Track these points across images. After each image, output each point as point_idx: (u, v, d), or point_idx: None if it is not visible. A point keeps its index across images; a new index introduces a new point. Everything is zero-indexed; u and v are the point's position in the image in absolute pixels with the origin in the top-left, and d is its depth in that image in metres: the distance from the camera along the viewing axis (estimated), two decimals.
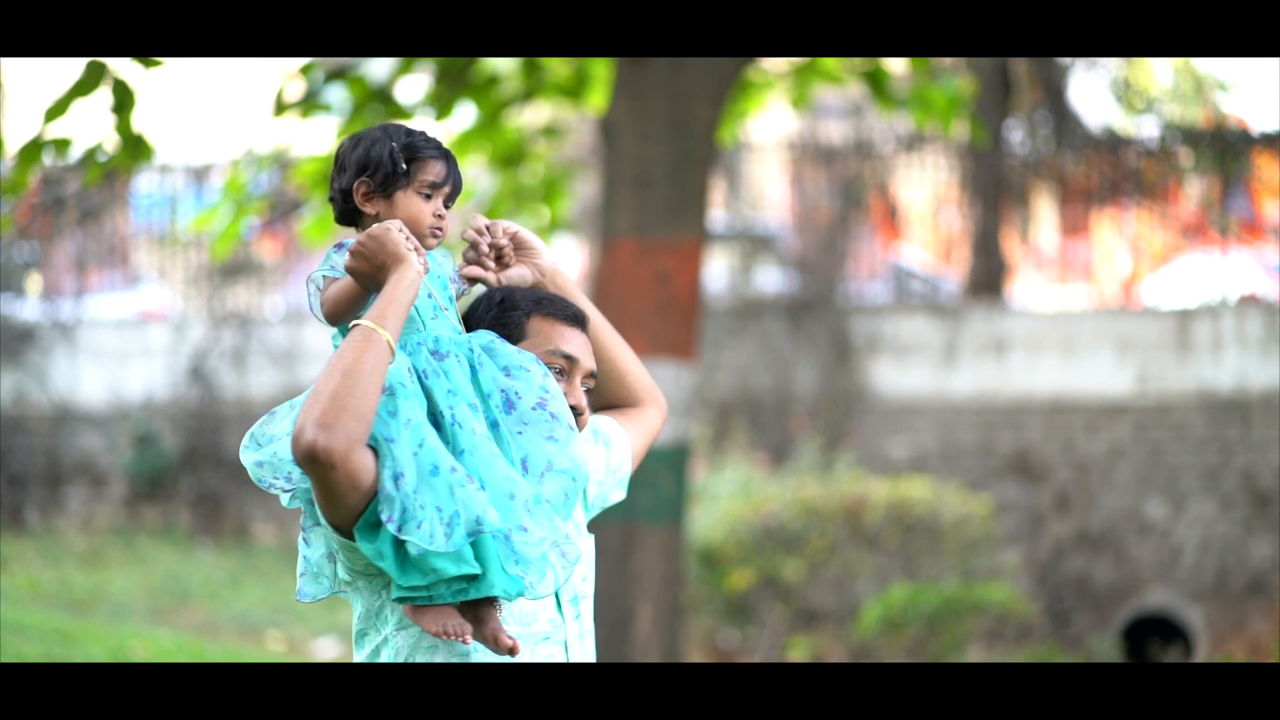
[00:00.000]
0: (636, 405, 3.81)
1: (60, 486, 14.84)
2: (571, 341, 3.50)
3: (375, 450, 3.19)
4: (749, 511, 11.78)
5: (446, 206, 3.43)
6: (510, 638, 3.23)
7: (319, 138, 10.12)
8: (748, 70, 9.27)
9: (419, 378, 3.27)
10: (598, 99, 10.05)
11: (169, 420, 14.74)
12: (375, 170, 3.37)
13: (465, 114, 9.73)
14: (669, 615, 8.62)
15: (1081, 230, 16.54)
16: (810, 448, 13.72)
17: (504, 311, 3.48)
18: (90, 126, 8.01)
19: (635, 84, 8.55)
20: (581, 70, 9.97)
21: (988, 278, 15.86)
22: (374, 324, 3.21)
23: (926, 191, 16.41)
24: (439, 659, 3.27)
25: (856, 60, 9.94)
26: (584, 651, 3.43)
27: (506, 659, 3.27)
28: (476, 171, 10.54)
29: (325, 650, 11.24)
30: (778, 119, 17.32)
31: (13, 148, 8.04)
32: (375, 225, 3.31)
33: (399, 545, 3.18)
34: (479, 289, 3.60)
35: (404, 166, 3.37)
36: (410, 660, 3.26)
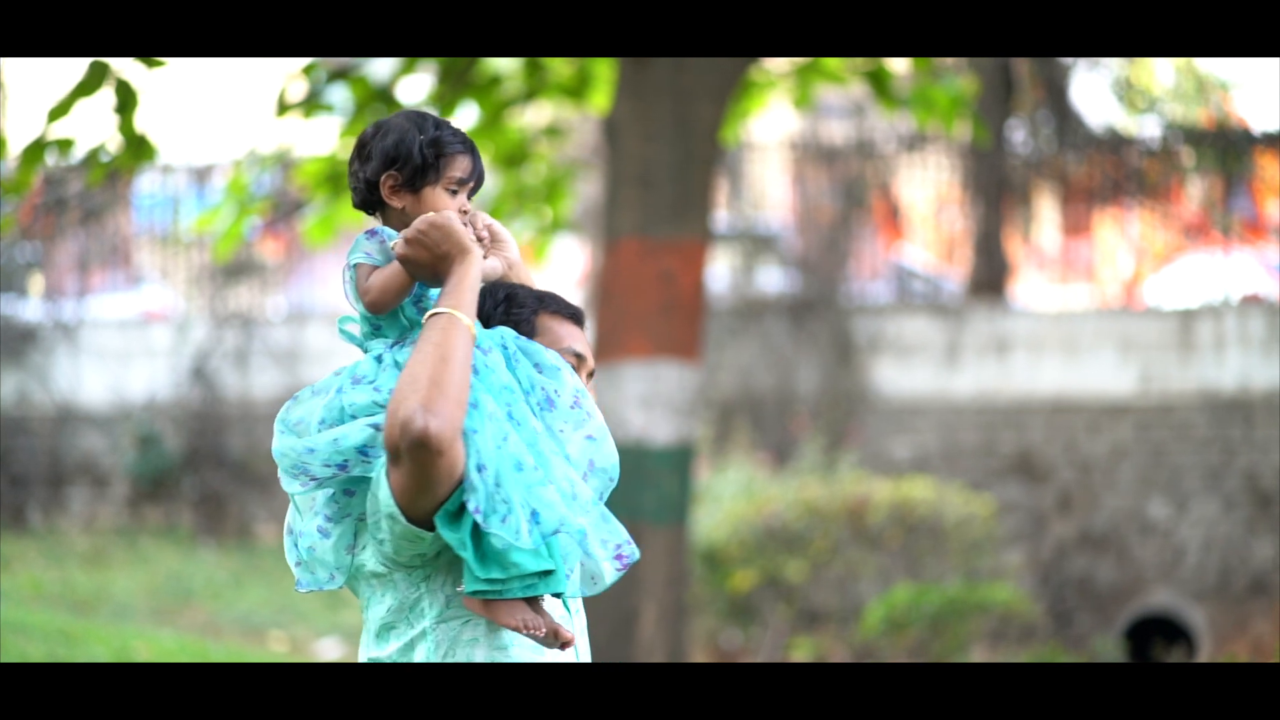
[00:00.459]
0: None
1: (63, 487, 14.84)
2: (579, 340, 3.50)
3: None
4: (751, 512, 11.78)
5: (469, 199, 3.42)
6: (568, 631, 3.24)
7: (321, 138, 10.13)
8: (750, 70, 9.28)
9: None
10: (599, 99, 10.05)
11: (171, 420, 14.75)
12: (404, 164, 3.34)
13: (467, 114, 9.74)
14: (674, 615, 8.62)
15: (1083, 230, 16.54)
16: (812, 448, 13.72)
17: (511, 308, 3.47)
18: (93, 127, 8.02)
19: (639, 84, 8.56)
20: (583, 70, 9.97)
21: (990, 278, 15.86)
22: (460, 313, 3.20)
23: (928, 191, 16.41)
24: (478, 653, 3.25)
25: (859, 60, 9.94)
26: (585, 649, 3.43)
27: (502, 660, 3.26)
28: None
29: (328, 650, 11.24)
30: (779, 118, 17.32)
31: (16, 148, 8.05)
32: (434, 215, 3.27)
33: (477, 537, 3.17)
34: None
35: (433, 163, 3.34)
36: (450, 654, 3.24)
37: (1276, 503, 13.88)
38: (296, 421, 3.29)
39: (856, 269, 15.77)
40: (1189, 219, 15.97)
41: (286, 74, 9.29)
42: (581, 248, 17.30)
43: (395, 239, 3.30)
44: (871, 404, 14.52)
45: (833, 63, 10.04)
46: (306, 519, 3.33)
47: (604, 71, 9.88)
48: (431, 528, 3.19)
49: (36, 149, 7.74)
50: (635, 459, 8.23)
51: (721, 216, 15.79)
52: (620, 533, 3.31)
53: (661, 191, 8.51)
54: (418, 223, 3.28)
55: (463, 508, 3.17)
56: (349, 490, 3.28)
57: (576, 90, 10.05)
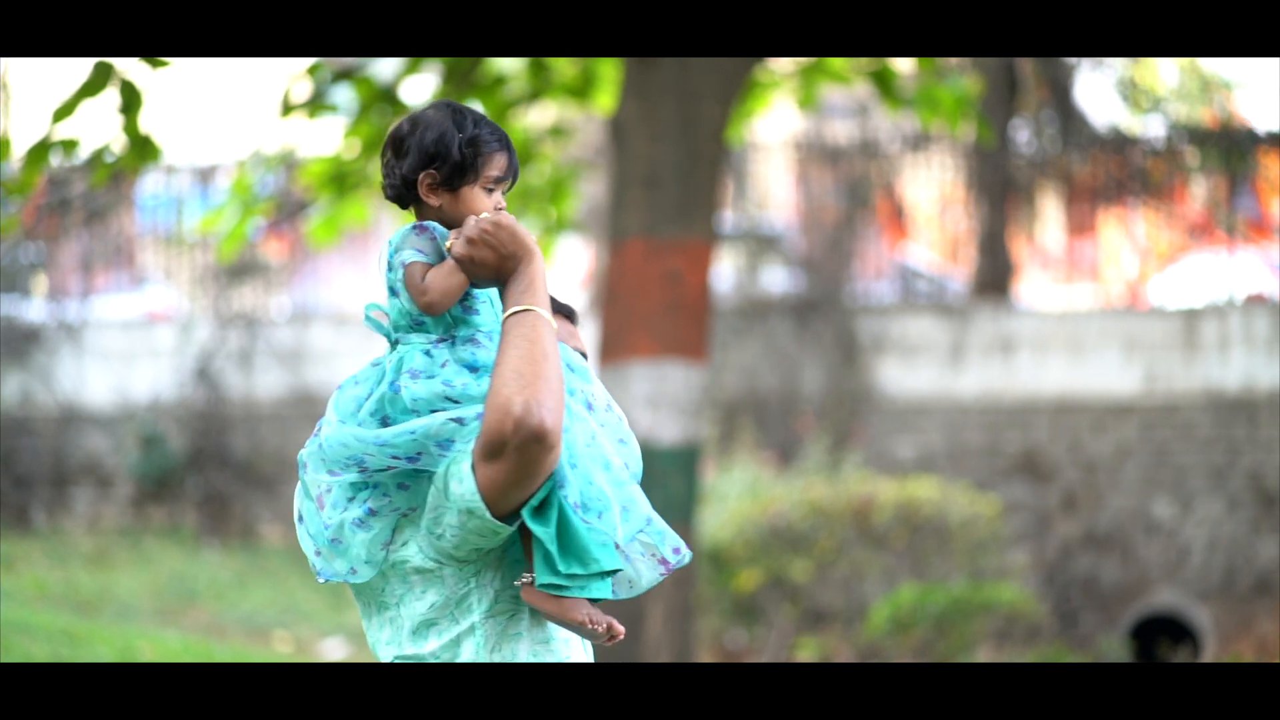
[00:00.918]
0: None
1: (66, 487, 14.85)
2: (577, 337, 3.50)
3: None
4: (756, 512, 11.78)
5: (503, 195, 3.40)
6: (619, 625, 3.27)
7: (326, 138, 10.13)
8: (755, 70, 9.28)
9: None
10: (604, 99, 10.05)
11: (175, 421, 14.75)
12: (442, 163, 3.29)
13: None
14: (680, 615, 8.62)
15: (1088, 230, 16.53)
16: (817, 448, 13.72)
17: None
18: (98, 127, 8.02)
19: (644, 84, 8.56)
20: (588, 70, 9.98)
21: (994, 277, 15.86)
22: (545, 311, 3.20)
23: (933, 191, 16.40)
24: (522, 647, 3.24)
25: (863, 60, 9.94)
26: (589, 648, 3.44)
27: (545, 653, 3.27)
28: None
29: (333, 651, 11.24)
30: (784, 118, 17.33)
31: (21, 149, 8.05)
32: (498, 215, 3.24)
33: (560, 532, 3.17)
34: None
35: (472, 162, 3.30)
36: (497, 649, 3.22)
37: None
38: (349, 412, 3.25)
39: (861, 269, 15.77)
40: (1193, 219, 15.96)
41: (291, 74, 9.30)
42: (586, 248, 17.30)
43: (446, 237, 3.27)
44: (876, 404, 14.52)
45: (837, 62, 10.04)
46: (337, 510, 3.24)
47: (608, 72, 9.88)
48: (511, 523, 3.18)
49: (41, 149, 7.74)
50: (641, 459, 8.22)
51: (726, 216, 15.79)
52: (673, 536, 3.33)
53: (667, 192, 8.51)
54: (480, 223, 3.24)
55: (544, 502, 3.16)
56: (403, 484, 3.22)
57: (581, 90, 10.05)
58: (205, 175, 15.75)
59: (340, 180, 9.82)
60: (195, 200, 15.82)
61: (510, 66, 9.72)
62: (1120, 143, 16.52)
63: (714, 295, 10.05)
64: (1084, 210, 16.47)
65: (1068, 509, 14.19)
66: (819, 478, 12.73)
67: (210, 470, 14.60)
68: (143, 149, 7.90)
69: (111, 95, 7.65)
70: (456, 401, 3.19)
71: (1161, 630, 13.77)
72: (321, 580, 3.27)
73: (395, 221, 12.27)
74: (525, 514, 3.15)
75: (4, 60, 14.47)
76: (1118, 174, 16.08)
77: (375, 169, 9.99)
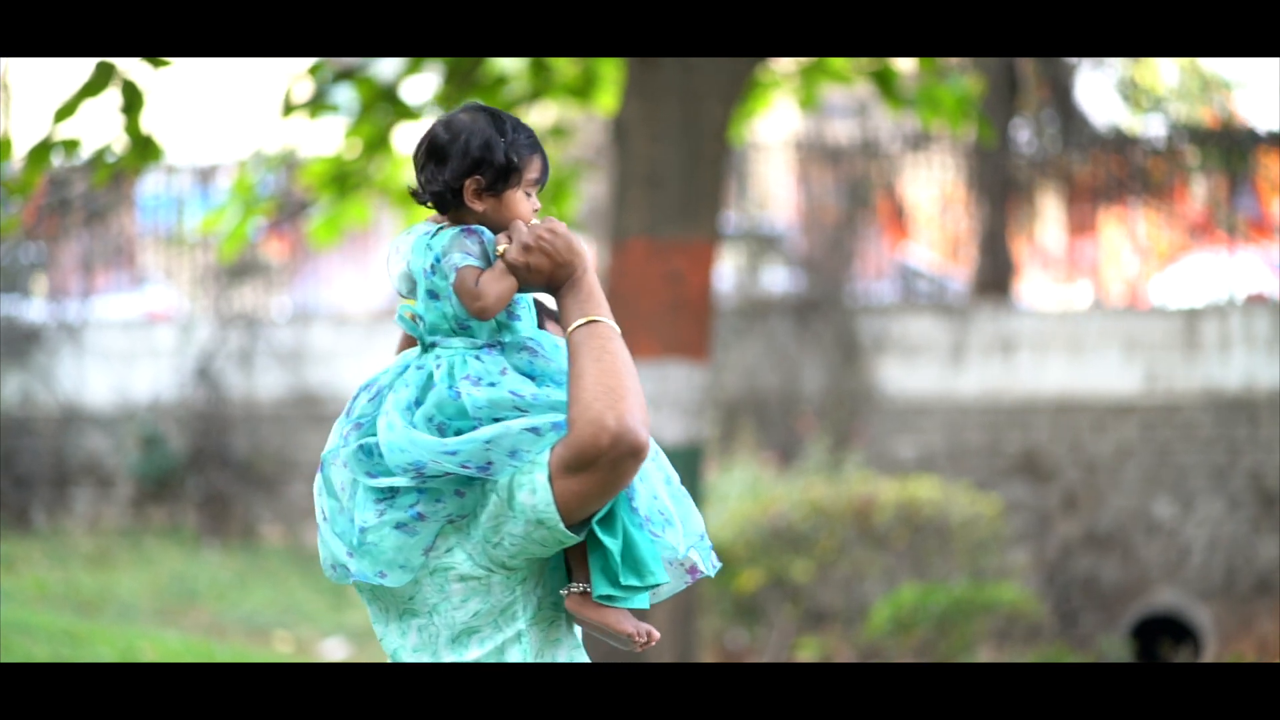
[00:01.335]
0: None
1: (67, 487, 14.85)
2: None
3: None
4: (757, 511, 11.78)
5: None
6: (656, 631, 3.26)
7: (327, 138, 10.13)
8: (757, 70, 9.28)
9: None
10: (605, 99, 10.05)
11: (176, 421, 14.75)
12: (488, 169, 3.27)
13: None
14: (682, 615, 8.62)
15: (1088, 229, 16.53)
16: (818, 448, 13.73)
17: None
18: (99, 127, 8.02)
19: (646, 84, 8.56)
20: (589, 70, 9.98)
21: (994, 277, 15.86)
22: (612, 322, 3.20)
23: (933, 191, 16.40)
24: (561, 653, 3.25)
25: (864, 60, 9.94)
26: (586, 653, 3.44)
27: (580, 658, 3.29)
28: None
29: (333, 651, 11.24)
30: (784, 118, 17.32)
31: (22, 149, 8.05)
32: (552, 223, 3.24)
33: (624, 544, 3.18)
34: None
35: (515, 166, 3.28)
36: (539, 655, 3.23)
37: None
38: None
39: (861, 269, 15.77)
40: (1193, 218, 15.96)
41: (292, 74, 9.30)
42: (587, 248, 17.29)
43: (494, 241, 3.24)
44: (877, 404, 14.52)
45: (838, 62, 10.04)
46: (371, 510, 3.18)
47: (609, 72, 9.88)
48: (579, 533, 3.16)
49: (42, 150, 7.74)
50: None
51: (727, 216, 15.79)
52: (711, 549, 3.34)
53: (669, 192, 8.51)
54: (536, 230, 3.22)
55: (609, 513, 3.16)
56: (459, 491, 3.17)
57: (582, 90, 10.05)
58: (206, 175, 15.76)
59: (341, 180, 9.82)
60: (196, 200, 15.82)
61: (511, 66, 9.72)
62: (1120, 142, 16.52)
63: (715, 295, 10.05)
64: (1084, 210, 16.47)
65: (1068, 509, 14.19)
66: (820, 478, 12.73)
67: (211, 470, 14.61)
68: (144, 149, 7.90)
69: (113, 95, 7.65)
70: (524, 411, 3.15)
71: (1162, 630, 13.78)
72: (349, 581, 3.22)
73: (396, 222, 12.27)
74: (597, 526, 3.15)
75: (4, 60, 14.47)
76: (1118, 174, 16.08)
77: (376, 169, 9.99)
